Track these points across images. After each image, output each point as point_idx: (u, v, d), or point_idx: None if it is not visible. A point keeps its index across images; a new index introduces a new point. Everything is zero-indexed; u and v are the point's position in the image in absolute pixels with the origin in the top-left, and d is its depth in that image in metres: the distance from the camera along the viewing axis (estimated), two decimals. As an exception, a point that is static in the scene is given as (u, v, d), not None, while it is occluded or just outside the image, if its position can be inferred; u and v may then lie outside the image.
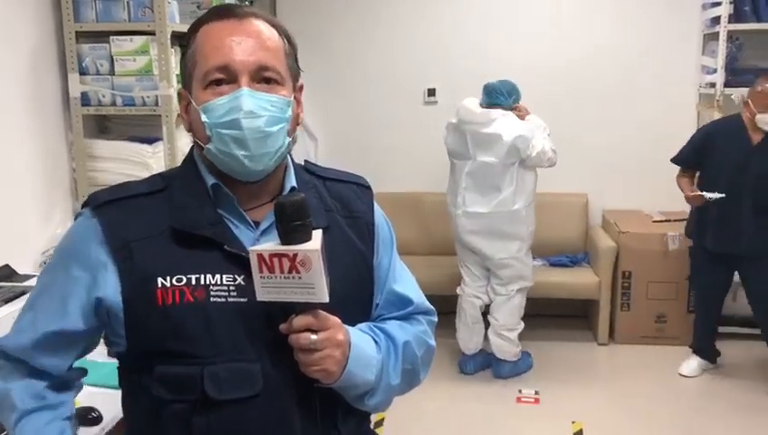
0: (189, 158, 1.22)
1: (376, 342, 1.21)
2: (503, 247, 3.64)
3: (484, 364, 3.86)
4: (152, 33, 2.71)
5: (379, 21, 4.67)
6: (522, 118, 3.66)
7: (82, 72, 2.75)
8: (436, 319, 1.37)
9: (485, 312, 3.84)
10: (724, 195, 3.42)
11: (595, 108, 4.58)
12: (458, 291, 3.88)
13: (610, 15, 4.50)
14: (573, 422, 3.34)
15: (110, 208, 1.15)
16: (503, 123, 3.55)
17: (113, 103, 2.77)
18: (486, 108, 3.65)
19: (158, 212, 1.15)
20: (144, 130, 2.90)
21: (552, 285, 4.14)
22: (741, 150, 3.50)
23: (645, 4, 4.45)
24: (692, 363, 3.84)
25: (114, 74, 2.75)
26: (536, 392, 3.64)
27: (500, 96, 3.65)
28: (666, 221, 4.23)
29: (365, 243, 1.25)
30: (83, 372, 1.26)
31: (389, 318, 1.28)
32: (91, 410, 1.78)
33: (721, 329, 3.96)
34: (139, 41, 2.72)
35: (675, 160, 3.79)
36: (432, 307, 1.37)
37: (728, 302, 4.23)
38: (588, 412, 3.44)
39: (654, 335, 4.15)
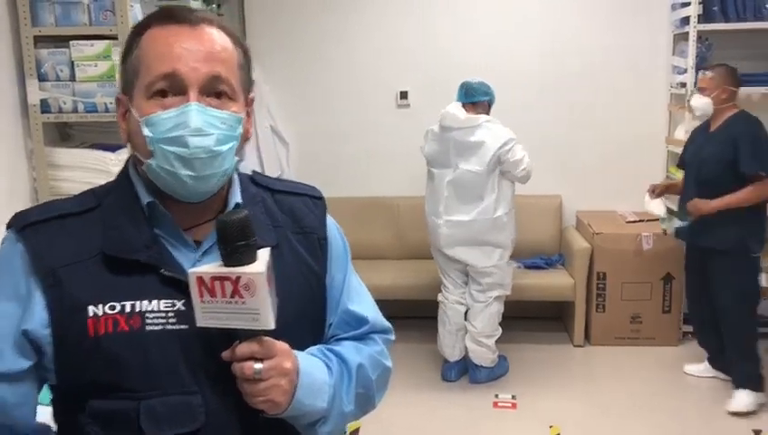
0: (125, 171, 1.13)
1: (328, 367, 1.13)
2: (486, 256, 3.61)
3: (465, 370, 3.83)
4: (114, 38, 2.63)
5: (349, 22, 4.62)
6: None
7: (42, 79, 2.66)
8: (393, 337, 1.30)
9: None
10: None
11: (567, 109, 4.57)
12: (440, 298, 3.84)
13: (582, 17, 4.49)
14: (551, 427, 3.31)
15: (37, 231, 1.05)
16: (487, 130, 3.53)
17: (75, 110, 2.68)
18: (465, 107, 3.62)
19: (90, 234, 1.06)
20: (107, 137, 2.81)
21: (526, 287, 4.11)
22: (701, 139, 3.54)
23: (615, 6, 4.46)
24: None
25: (75, 80, 2.66)
26: (513, 397, 3.62)
27: (478, 94, 3.63)
28: (639, 221, 4.23)
29: (317, 260, 1.18)
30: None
31: (344, 338, 1.22)
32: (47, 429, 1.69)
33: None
34: (100, 45, 2.64)
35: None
36: (389, 325, 1.30)
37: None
38: (565, 416, 3.42)
39: (629, 336, 4.15)
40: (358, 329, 1.23)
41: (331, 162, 4.77)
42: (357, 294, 1.26)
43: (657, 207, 3.69)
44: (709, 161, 3.41)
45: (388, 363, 1.26)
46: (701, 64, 4.08)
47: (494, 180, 3.54)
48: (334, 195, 4.78)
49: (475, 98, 3.63)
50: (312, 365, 1.10)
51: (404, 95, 4.65)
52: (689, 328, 4.24)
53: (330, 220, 1.25)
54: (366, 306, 1.26)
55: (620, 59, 4.46)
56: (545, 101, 4.58)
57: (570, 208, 4.64)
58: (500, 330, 3.75)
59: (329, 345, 1.19)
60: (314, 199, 1.25)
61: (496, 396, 3.62)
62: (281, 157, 4.70)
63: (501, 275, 3.66)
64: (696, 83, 3.99)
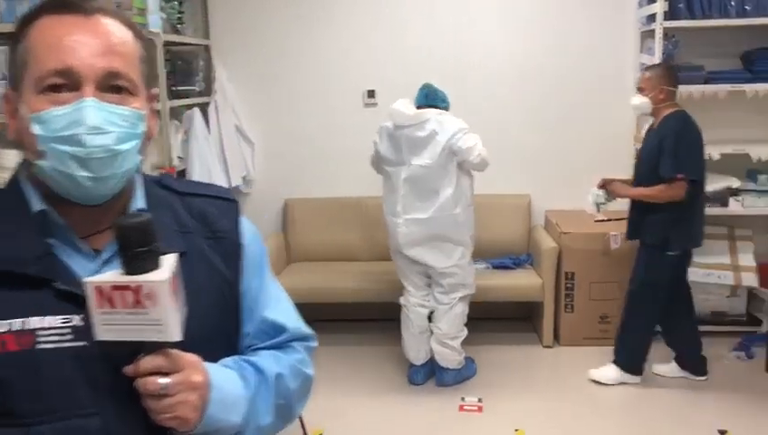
0: (14, 176, 1.05)
1: (244, 378, 1.07)
2: (446, 256, 3.54)
3: (432, 373, 3.76)
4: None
5: (316, 20, 4.55)
6: None
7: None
8: (315, 344, 1.25)
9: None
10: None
11: (537, 109, 4.53)
12: (402, 301, 3.77)
13: (550, 16, 4.46)
14: (516, 430, 3.26)
15: None
16: (437, 122, 3.46)
17: None
18: (421, 109, 3.55)
19: None
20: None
21: (494, 288, 4.06)
22: (645, 138, 3.58)
23: (583, 3, 4.42)
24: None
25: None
26: (479, 400, 3.56)
27: (437, 99, 3.57)
28: (608, 221, 4.18)
29: (230, 266, 1.11)
30: None
31: (262, 348, 1.15)
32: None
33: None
34: None
35: None
36: (310, 332, 1.24)
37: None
38: (532, 418, 3.37)
39: (598, 336, 4.11)
40: (276, 338, 1.17)
41: (298, 162, 4.70)
42: (275, 301, 1.19)
43: (595, 194, 3.69)
44: (644, 160, 3.49)
45: (310, 372, 1.21)
46: (668, 61, 4.05)
47: (451, 175, 3.47)
48: (300, 195, 4.76)
49: (435, 102, 3.57)
50: (225, 378, 1.04)
51: (371, 94, 4.58)
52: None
53: (245, 224, 1.18)
54: (284, 314, 1.20)
55: (589, 57, 4.42)
56: (514, 101, 4.53)
57: (539, 208, 4.60)
58: (465, 331, 3.69)
59: (245, 356, 1.12)
60: (227, 202, 1.17)
61: (462, 399, 3.57)
62: (246, 157, 4.61)
63: (463, 275, 3.60)
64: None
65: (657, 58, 3.99)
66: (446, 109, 3.59)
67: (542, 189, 4.57)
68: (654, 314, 3.64)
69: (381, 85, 4.56)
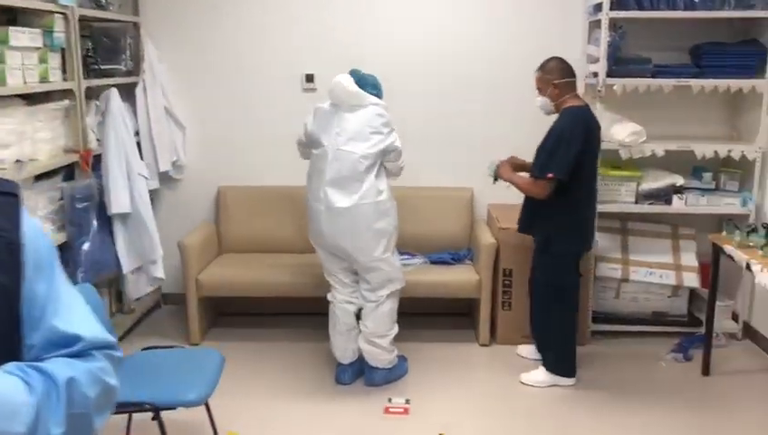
0: None
1: (27, 384, 0.94)
2: (369, 248, 3.36)
3: (361, 372, 3.60)
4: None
5: (250, 0, 4.33)
6: None
7: None
8: (120, 353, 1.11)
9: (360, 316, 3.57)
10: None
11: (481, 100, 4.38)
12: (329, 298, 3.60)
13: (492, 2, 4.29)
14: (440, 434, 3.12)
15: None
16: (377, 116, 3.30)
17: None
18: None
19: None
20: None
21: (429, 284, 3.91)
22: None
23: (530, -10, 4.27)
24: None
25: None
26: (407, 401, 3.41)
27: (368, 86, 3.39)
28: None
29: (7, 269, 0.96)
30: None
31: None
32: None
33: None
34: None
35: None
36: (113, 340, 1.10)
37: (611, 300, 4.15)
38: (459, 420, 3.23)
39: (536, 335, 3.99)
40: (69, 348, 1.02)
41: (232, 148, 4.49)
42: (66, 308, 1.04)
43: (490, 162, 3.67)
44: (537, 155, 3.43)
45: (113, 382, 1.07)
46: (614, 54, 3.93)
47: (378, 165, 3.33)
48: (234, 183, 4.54)
49: (365, 88, 3.38)
50: (3, 384, 0.91)
51: (310, 78, 4.38)
52: (600, 327, 4.12)
53: (28, 221, 1.01)
54: (79, 321, 1.05)
55: (533, 46, 4.25)
56: (457, 92, 4.38)
57: (482, 201, 4.46)
58: (395, 328, 3.53)
59: (32, 362, 0.98)
60: (5, 196, 1.00)
61: (389, 400, 3.41)
62: (176, 141, 4.39)
63: (388, 270, 3.42)
64: (606, 73, 3.87)
65: (602, 49, 3.85)
66: (378, 96, 3.41)
67: (486, 183, 4.39)
68: (567, 312, 3.54)
69: (321, 69, 4.36)
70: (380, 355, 3.49)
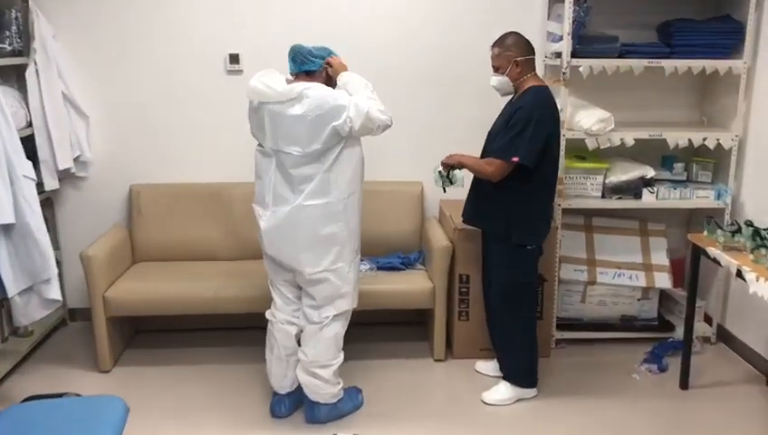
0: None
1: None
2: (316, 257, 2.85)
3: (301, 402, 3.07)
4: None
5: (163, -33, 3.73)
6: (334, 74, 2.90)
7: None
8: None
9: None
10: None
11: (428, 84, 3.90)
12: (268, 316, 3.08)
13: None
14: (394, 478, 2.66)
15: None
16: (311, 101, 2.73)
17: None
18: (298, 78, 2.86)
19: None
20: None
21: (376, 293, 3.43)
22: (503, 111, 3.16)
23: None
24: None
25: None
26: (353, 436, 2.94)
27: (309, 62, 2.86)
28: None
29: None
30: None
31: None
32: None
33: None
34: None
35: None
36: None
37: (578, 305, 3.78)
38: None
39: (496, 347, 3.57)
40: None
41: (145, 141, 3.88)
42: None
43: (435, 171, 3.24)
44: (490, 138, 3.11)
45: None
46: (578, 31, 3.50)
47: (332, 156, 2.79)
48: (149, 180, 3.89)
49: (308, 66, 2.86)
50: None
51: (234, 59, 3.81)
52: (565, 334, 3.73)
53: None
54: None
55: (488, 27, 3.79)
56: (404, 75, 3.88)
57: (433, 197, 3.99)
58: (341, 357, 3.01)
59: None
60: None
61: (334, 436, 2.94)
62: (78, 133, 3.75)
63: (338, 286, 2.90)
64: (570, 53, 3.45)
65: (566, 26, 3.42)
66: (322, 59, 2.88)
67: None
68: (530, 313, 3.21)
69: (247, 49, 3.80)
70: (322, 389, 2.98)
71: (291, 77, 2.90)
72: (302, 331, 2.98)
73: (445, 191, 3.25)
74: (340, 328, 2.96)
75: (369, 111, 2.75)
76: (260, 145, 2.92)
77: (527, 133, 2.85)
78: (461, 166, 3.11)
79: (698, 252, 3.14)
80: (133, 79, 3.81)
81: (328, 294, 2.91)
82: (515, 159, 2.86)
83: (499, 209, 3.01)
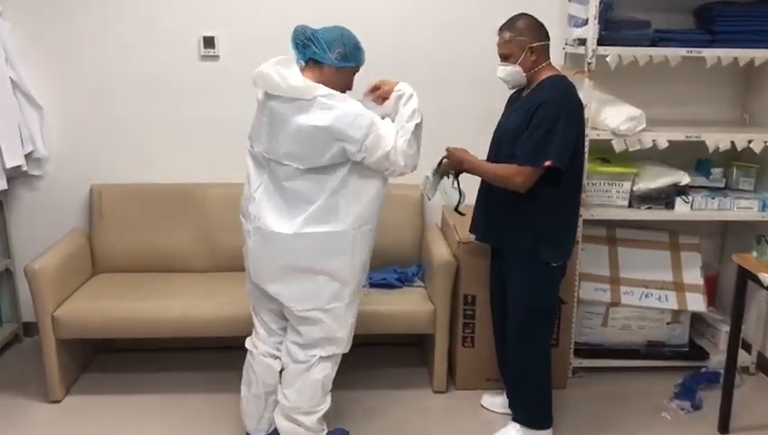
0: None
1: None
2: (310, 294, 2.39)
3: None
4: None
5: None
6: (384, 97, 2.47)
7: None
8: None
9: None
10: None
11: (427, 76, 3.40)
12: (248, 346, 2.63)
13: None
14: None
15: None
16: (326, 112, 2.25)
17: None
18: (304, 71, 2.35)
19: None
20: None
21: (369, 316, 2.96)
22: (509, 109, 2.71)
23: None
24: None
25: None
26: (337, 490, 2.49)
27: (313, 47, 2.32)
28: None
29: None
30: None
31: None
32: None
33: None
34: None
35: None
36: None
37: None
38: None
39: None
40: None
41: (107, 134, 3.42)
42: None
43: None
44: (505, 138, 2.59)
45: None
46: (605, 14, 3.02)
47: (339, 176, 2.32)
48: (112, 180, 3.29)
49: (313, 52, 2.33)
50: None
51: (209, 42, 3.34)
52: (585, 362, 3.28)
53: None
54: None
55: (499, 6, 3.32)
56: (399, 62, 3.37)
57: (435, 202, 3.47)
58: (328, 401, 2.54)
59: None
60: None
61: (313, 489, 2.48)
62: (30, 126, 3.29)
63: (332, 328, 2.44)
64: (597, 40, 2.97)
65: (592, 7, 2.94)
66: (346, 60, 2.35)
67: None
68: (547, 343, 2.75)
69: (224, 31, 3.33)
70: (304, 437, 2.53)
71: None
72: (282, 369, 2.51)
73: (429, 199, 2.79)
74: (329, 369, 2.50)
75: (391, 152, 2.30)
76: (252, 148, 2.44)
77: (557, 132, 2.40)
78: (471, 172, 2.62)
79: (745, 276, 2.67)
80: (94, 64, 3.34)
81: (318, 336, 2.45)
82: (548, 162, 2.40)
83: (523, 221, 2.54)
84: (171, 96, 3.38)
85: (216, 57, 3.35)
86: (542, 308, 2.64)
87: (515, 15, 2.54)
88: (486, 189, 2.67)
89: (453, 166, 2.67)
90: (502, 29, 2.54)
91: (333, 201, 2.31)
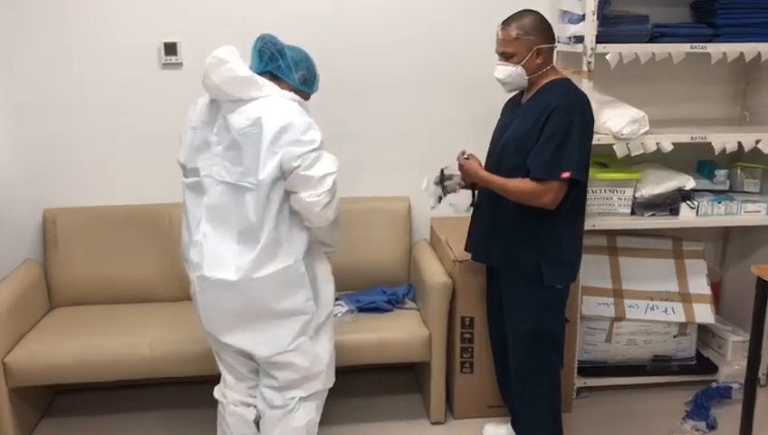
0: None
1: None
2: (269, 338, 2.13)
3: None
4: None
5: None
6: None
7: None
8: None
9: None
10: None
11: (415, 78, 3.19)
12: (217, 396, 2.35)
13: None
14: None
15: None
16: (272, 109, 2.02)
17: None
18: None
19: None
20: None
21: (358, 346, 2.73)
22: (509, 116, 2.47)
23: None
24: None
25: None
26: None
27: (279, 61, 2.12)
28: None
29: None
30: None
31: None
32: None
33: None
34: None
35: None
36: None
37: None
38: None
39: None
40: None
41: (61, 153, 3.10)
42: None
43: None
44: (508, 148, 2.35)
45: None
46: (603, 8, 2.80)
47: (278, 192, 2.06)
48: (68, 204, 3.20)
49: (274, 66, 2.13)
50: None
51: (171, 49, 3.04)
52: (590, 381, 3.08)
53: None
54: None
55: (486, 6, 3.08)
56: (384, 68, 3.15)
57: (422, 215, 3.28)
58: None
59: None
60: None
61: None
62: (-29, 147, 2.95)
63: (304, 367, 2.18)
64: (595, 37, 2.76)
65: (591, 2, 2.71)
66: (308, 85, 2.20)
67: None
68: (557, 371, 2.54)
69: (187, 36, 3.03)
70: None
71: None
72: (258, 417, 2.24)
73: (432, 208, 2.59)
74: (313, 412, 2.24)
75: (328, 177, 2.04)
76: (186, 175, 2.18)
77: (573, 141, 2.19)
78: (486, 186, 2.37)
79: (766, 288, 2.48)
80: (46, 75, 3.02)
81: (293, 377, 2.19)
82: (566, 174, 2.18)
83: (527, 240, 2.32)
84: (130, 109, 3.07)
85: (178, 65, 3.05)
86: (549, 334, 2.42)
87: (523, 11, 2.30)
88: (487, 205, 2.44)
89: (465, 178, 2.44)
90: (507, 24, 2.30)
91: (278, 232, 2.06)
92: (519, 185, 2.26)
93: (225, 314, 2.12)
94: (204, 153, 2.12)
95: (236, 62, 2.04)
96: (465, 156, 2.47)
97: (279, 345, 2.12)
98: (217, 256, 2.07)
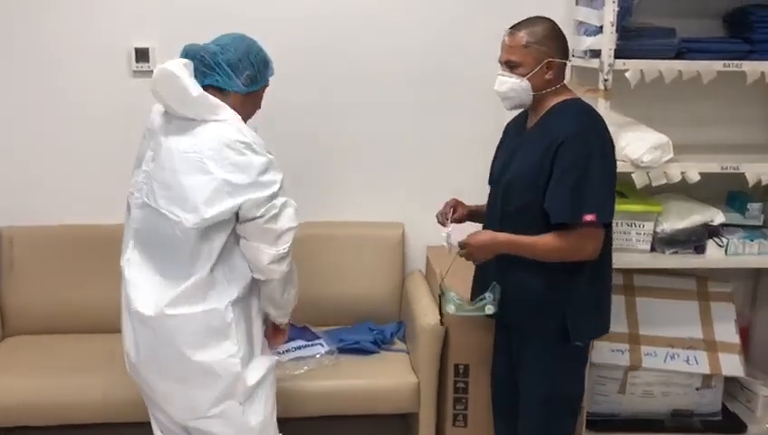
0: None
1: None
2: (183, 396, 1.84)
3: None
4: None
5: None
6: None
7: None
8: None
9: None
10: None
11: (412, 92, 2.90)
12: None
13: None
14: None
15: None
16: (226, 135, 1.76)
17: None
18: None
19: None
20: None
21: (336, 394, 2.42)
22: (514, 142, 2.14)
23: None
24: None
25: None
26: None
27: (215, 75, 1.85)
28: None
29: None
30: None
31: None
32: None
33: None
34: None
35: None
36: None
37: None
38: None
39: (505, 463, 2.56)
40: None
41: (20, 169, 2.84)
42: None
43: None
44: (515, 186, 2.03)
45: None
46: (623, 20, 2.49)
47: (224, 231, 1.79)
48: (25, 222, 2.91)
49: (218, 81, 1.86)
50: None
51: (143, 55, 2.77)
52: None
53: None
54: None
55: (487, 11, 2.78)
56: (374, 79, 2.87)
57: (416, 243, 2.97)
58: None
59: None
60: None
61: None
62: None
63: (231, 432, 1.88)
64: (614, 51, 2.44)
65: (609, 12, 2.40)
66: (254, 82, 1.90)
67: (422, 216, 2.83)
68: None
69: (160, 41, 2.77)
70: None
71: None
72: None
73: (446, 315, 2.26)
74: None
75: (289, 232, 1.80)
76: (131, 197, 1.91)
77: (595, 174, 1.88)
78: (509, 252, 1.98)
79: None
80: (4, 82, 2.75)
81: None
82: (589, 217, 1.86)
83: (553, 292, 1.99)
84: (97, 120, 2.81)
85: (150, 73, 2.74)
86: (567, 398, 2.10)
87: (535, 17, 1.99)
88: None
89: (476, 254, 2.04)
90: (516, 29, 1.98)
91: (212, 276, 1.78)
92: (549, 242, 1.92)
93: (144, 360, 1.85)
94: (139, 167, 1.86)
95: (188, 80, 1.76)
96: (450, 222, 2.12)
97: (196, 409, 1.82)
98: (136, 285, 1.81)
